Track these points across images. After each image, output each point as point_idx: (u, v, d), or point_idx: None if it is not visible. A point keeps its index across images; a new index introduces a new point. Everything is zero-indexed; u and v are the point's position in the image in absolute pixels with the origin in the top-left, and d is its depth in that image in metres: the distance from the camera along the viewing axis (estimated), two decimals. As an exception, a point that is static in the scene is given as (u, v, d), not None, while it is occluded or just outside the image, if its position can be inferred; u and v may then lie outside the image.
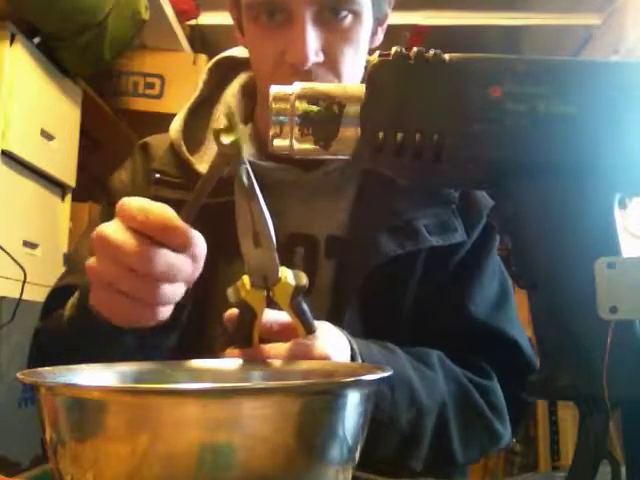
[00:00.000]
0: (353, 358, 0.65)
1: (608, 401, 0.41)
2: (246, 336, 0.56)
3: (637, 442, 0.43)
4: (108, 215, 0.90)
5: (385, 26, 0.87)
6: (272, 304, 0.57)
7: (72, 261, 0.91)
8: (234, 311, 0.57)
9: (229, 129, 0.52)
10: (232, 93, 0.90)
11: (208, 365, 0.56)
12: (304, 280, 0.56)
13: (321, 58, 0.77)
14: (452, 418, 0.76)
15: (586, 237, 0.44)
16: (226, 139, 0.51)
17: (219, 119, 0.88)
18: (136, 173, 0.90)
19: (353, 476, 0.43)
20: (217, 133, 0.52)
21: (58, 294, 0.86)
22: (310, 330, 0.58)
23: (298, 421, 0.39)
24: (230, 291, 0.56)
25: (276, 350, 0.56)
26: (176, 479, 0.37)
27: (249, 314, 0.56)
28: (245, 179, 0.52)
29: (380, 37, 0.87)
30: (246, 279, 0.55)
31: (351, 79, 0.80)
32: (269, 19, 0.77)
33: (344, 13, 0.77)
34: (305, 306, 0.57)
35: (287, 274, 0.56)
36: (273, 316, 0.58)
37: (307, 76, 0.75)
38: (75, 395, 0.39)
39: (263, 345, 0.57)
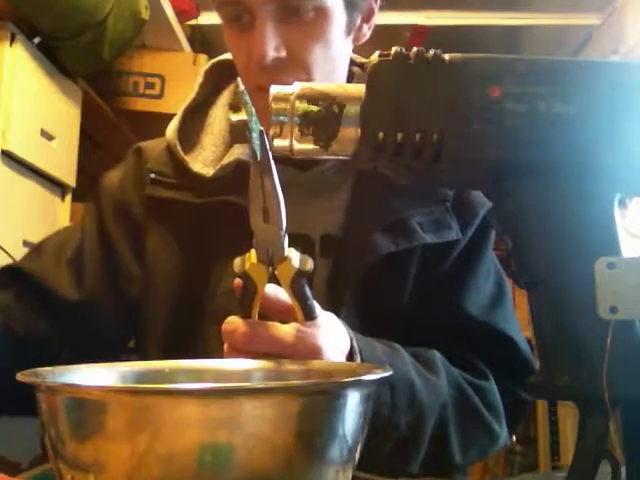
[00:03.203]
0: (352, 355, 0.65)
1: (608, 401, 0.41)
2: (246, 308, 0.57)
3: (637, 442, 0.43)
4: (94, 212, 0.91)
5: (372, 23, 0.86)
6: (276, 282, 0.57)
7: (37, 247, 0.92)
8: (240, 281, 0.58)
9: (238, 106, 0.52)
10: (228, 95, 0.90)
11: (208, 365, 0.56)
12: (309, 265, 0.57)
13: (283, 54, 0.76)
14: (451, 421, 0.76)
15: (586, 237, 0.44)
16: (235, 116, 0.52)
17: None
18: (127, 175, 0.91)
19: (353, 476, 0.43)
20: (230, 107, 0.52)
21: (8, 273, 0.89)
22: (310, 316, 0.58)
23: (298, 421, 0.39)
24: (236, 261, 0.57)
25: (275, 329, 0.57)
26: (176, 479, 0.37)
27: (251, 287, 0.57)
28: (259, 154, 0.52)
29: (366, 33, 0.86)
30: (254, 252, 0.56)
31: (323, 74, 0.79)
32: (238, 22, 0.78)
33: (307, 8, 0.76)
34: (308, 291, 0.58)
35: (293, 256, 0.56)
36: (279, 293, 0.59)
37: (273, 72, 0.75)
38: (75, 395, 0.39)
39: (265, 322, 0.57)
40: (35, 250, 0.92)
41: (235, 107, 0.52)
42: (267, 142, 0.52)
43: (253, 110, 0.52)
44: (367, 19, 0.85)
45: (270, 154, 0.52)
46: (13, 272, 0.88)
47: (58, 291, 0.86)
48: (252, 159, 0.53)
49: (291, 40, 0.77)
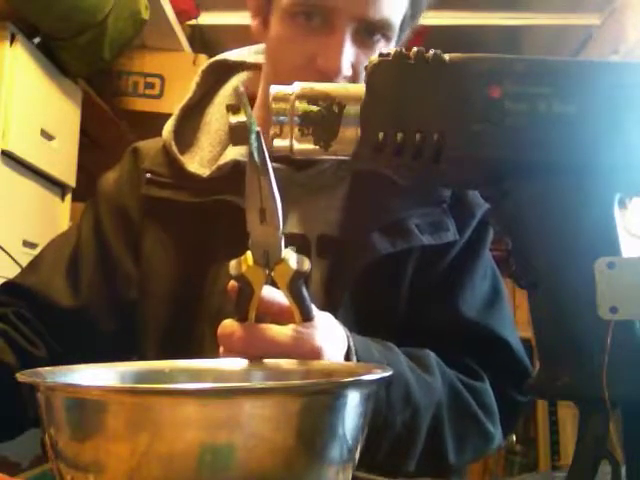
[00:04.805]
0: (348, 354, 0.65)
1: (608, 401, 0.41)
2: (243, 311, 0.56)
3: (637, 442, 0.43)
4: (90, 213, 0.91)
5: None
6: (273, 284, 0.56)
7: (34, 260, 0.92)
8: (235, 283, 0.57)
9: (237, 108, 0.52)
10: (225, 95, 0.90)
11: (208, 365, 0.56)
12: (306, 265, 0.56)
13: (349, 73, 0.77)
14: (446, 420, 0.76)
15: (586, 237, 0.44)
16: (234, 118, 0.51)
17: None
18: (123, 175, 0.91)
19: (353, 476, 0.43)
20: (227, 109, 0.52)
21: (6, 289, 0.88)
22: (307, 317, 0.57)
23: (298, 421, 0.39)
24: (232, 264, 0.56)
25: (273, 332, 0.56)
26: (176, 479, 0.37)
27: (247, 289, 0.56)
28: (257, 155, 0.52)
29: None
30: (250, 254, 0.55)
31: None
32: (306, 21, 0.76)
33: (378, 36, 0.78)
34: (305, 292, 0.57)
35: (290, 257, 0.56)
36: (275, 295, 0.58)
37: None
38: (75, 395, 0.39)
39: (262, 325, 0.57)
40: (34, 262, 0.91)
41: (234, 109, 0.52)
42: (264, 144, 0.52)
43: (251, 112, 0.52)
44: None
45: (267, 156, 0.52)
46: (12, 290, 0.87)
47: (55, 300, 0.85)
48: (249, 161, 0.53)
49: (358, 63, 0.77)
